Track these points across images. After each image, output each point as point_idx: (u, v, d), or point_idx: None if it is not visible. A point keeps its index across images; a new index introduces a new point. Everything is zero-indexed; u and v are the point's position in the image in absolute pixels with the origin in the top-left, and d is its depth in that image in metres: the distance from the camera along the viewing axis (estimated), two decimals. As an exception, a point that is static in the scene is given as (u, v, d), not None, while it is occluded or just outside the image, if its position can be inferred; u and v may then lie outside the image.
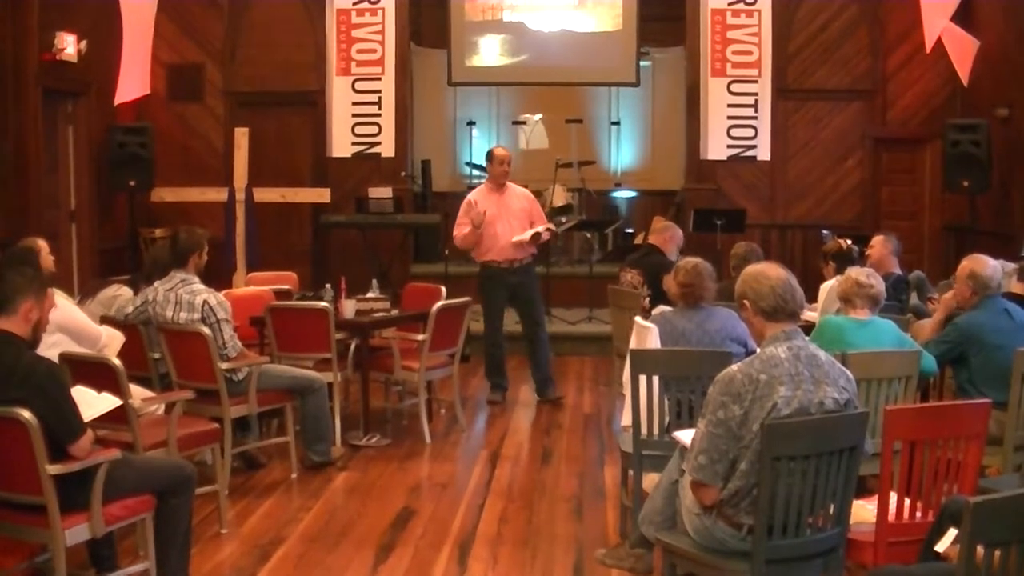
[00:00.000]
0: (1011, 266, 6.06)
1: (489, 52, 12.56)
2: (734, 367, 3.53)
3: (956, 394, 5.54)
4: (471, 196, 8.14)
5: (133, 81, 10.87)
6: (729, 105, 11.60)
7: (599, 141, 13.70)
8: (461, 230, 8.06)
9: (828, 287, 6.47)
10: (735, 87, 11.59)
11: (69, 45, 9.82)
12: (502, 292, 8.10)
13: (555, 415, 7.91)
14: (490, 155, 8.22)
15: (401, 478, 6.31)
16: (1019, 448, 5.05)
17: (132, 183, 10.76)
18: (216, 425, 5.59)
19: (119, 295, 6.61)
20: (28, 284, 4.09)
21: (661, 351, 5.09)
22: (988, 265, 5.48)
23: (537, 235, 8.07)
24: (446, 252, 10.49)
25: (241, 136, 10.92)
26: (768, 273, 3.63)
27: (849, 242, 7.27)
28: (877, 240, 7.33)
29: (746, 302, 3.63)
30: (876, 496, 3.87)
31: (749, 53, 11.59)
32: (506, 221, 8.04)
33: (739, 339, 5.26)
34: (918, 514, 3.83)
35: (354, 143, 11.68)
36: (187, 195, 11.21)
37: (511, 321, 8.47)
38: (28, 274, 4.23)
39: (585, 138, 13.17)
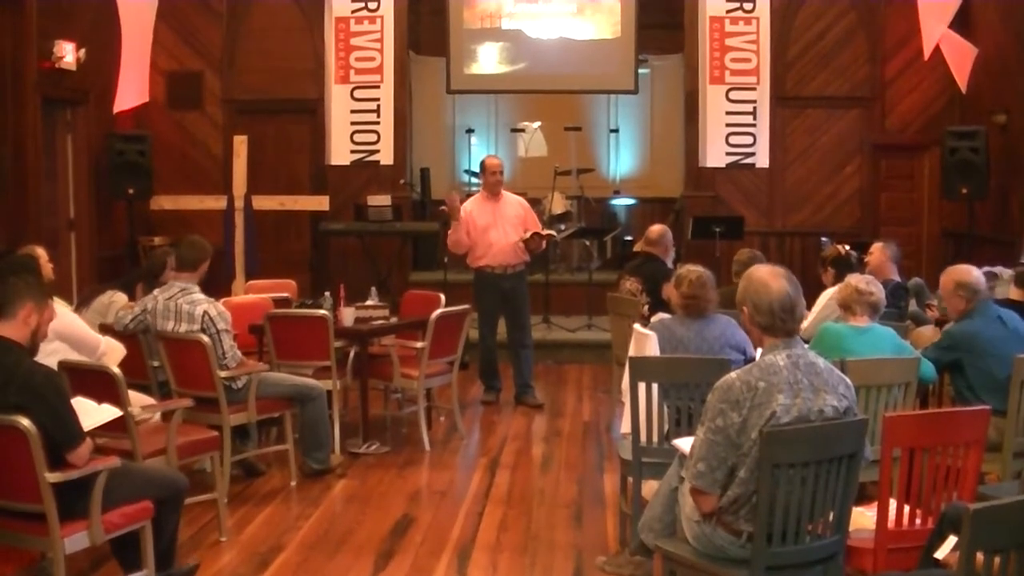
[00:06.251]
0: (1009, 272, 6.06)
1: (488, 60, 12.57)
2: (733, 374, 3.52)
3: (954, 401, 5.54)
4: (465, 203, 8.30)
5: (132, 89, 10.87)
6: (728, 112, 11.60)
7: (598, 149, 13.69)
8: (449, 231, 8.24)
9: (828, 295, 6.46)
10: (734, 94, 11.59)
11: (68, 53, 9.83)
12: (495, 297, 8.26)
13: (554, 422, 7.91)
14: (482, 165, 8.46)
15: (400, 485, 6.31)
16: (1018, 455, 5.05)
17: (131, 191, 10.75)
18: (215, 433, 5.59)
19: (114, 301, 6.61)
20: (27, 290, 4.10)
21: (660, 358, 5.09)
22: (970, 271, 5.48)
23: (536, 236, 8.17)
24: (445, 260, 10.49)
25: (240, 144, 10.93)
26: (771, 287, 3.54)
27: (848, 248, 7.27)
28: (876, 247, 7.34)
29: (745, 308, 3.61)
30: (876, 503, 3.87)
31: (747, 60, 11.59)
32: (500, 228, 8.21)
33: (738, 346, 5.27)
34: (917, 521, 3.83)
35: (353, 151, 11.68)
36: (186, 203, 11.21)
37: (501, 327, 8.52)
38: (28, 280, 4.24)
39: (584, 146, 13.17)
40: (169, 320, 5.99)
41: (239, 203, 10.88)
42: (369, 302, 7.48)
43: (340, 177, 11.77)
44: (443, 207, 8.34)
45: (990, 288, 6.23)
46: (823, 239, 10.81)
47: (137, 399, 5.33)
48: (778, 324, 3.52)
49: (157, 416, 5.49)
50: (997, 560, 2.69)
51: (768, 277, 3.59)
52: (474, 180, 12.49)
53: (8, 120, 9.26)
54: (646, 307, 7.16)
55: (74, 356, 5.28)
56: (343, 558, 5.12)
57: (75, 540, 4.02)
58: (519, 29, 12.46)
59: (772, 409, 3.40)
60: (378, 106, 11.62)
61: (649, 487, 4.67)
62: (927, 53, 10.89)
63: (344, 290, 7.36)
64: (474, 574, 4.95)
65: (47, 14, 9.55)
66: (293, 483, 6.26)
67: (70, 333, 5.43)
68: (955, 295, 5.45)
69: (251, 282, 9.35)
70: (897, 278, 7.17)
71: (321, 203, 11.26)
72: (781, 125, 11.89)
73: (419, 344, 7.00)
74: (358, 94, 11.59)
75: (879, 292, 5.32)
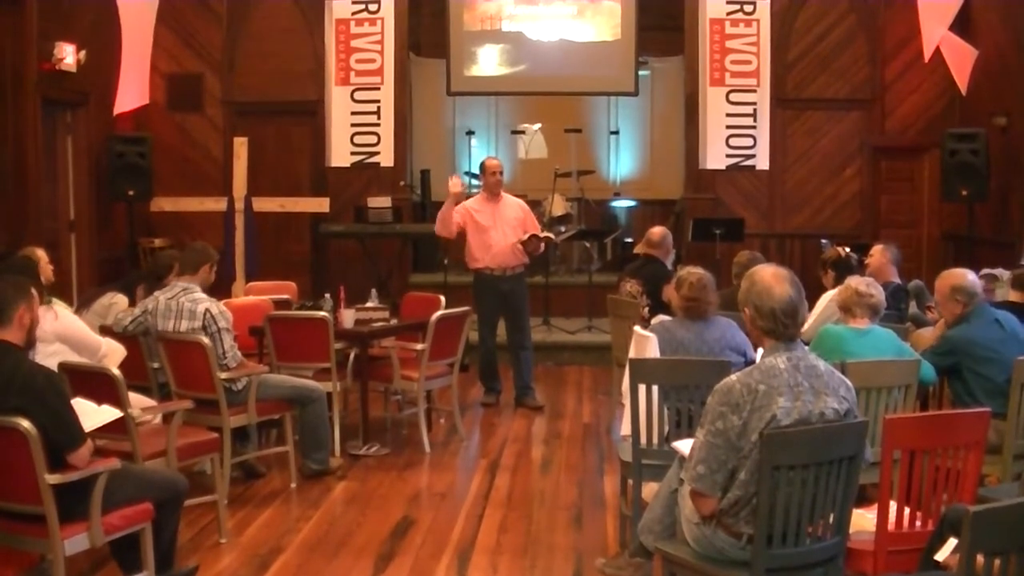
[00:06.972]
0: (1008, 274, 6.06)
1: (488, 62, 12.57)
2: (733, 377, 3.51)
3: (953, 405, 5.53)
4: (465, 203, 8.33)
5: (132, 91, 10.88)
6: (728, 114, 11.55)
7: (598, 150, 13.70)
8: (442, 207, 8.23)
9: (828, 297, 6.45)
10: (734, 96, 11.56)
11: (68, 55, 9.83)
12: (494, 299, 8.26)
13: (554, 424, 7.91)
14: (481, 166, 8.49)
15: (400, 487, 6.30)
16: (1018, 457, 5.06)
17: (131, 193, 10.76)
18: (215, 435, 5.59)
19: (114, 303, 6.62)
20: (17, 291, 4.12)
21: (660, 360, 5.09)
22: (966, 275, 5.48)
23: (535, 238, 8.16)
24: (445, 262, 10.50)
25: (240, 146, 10.93)
26: (774, 292, 3.52)
27: (848, 250, 7.27)
28: (876, 249, 7.33)
29: (747, 310, 3.60)
30: (876, 505, 3.87)
31: (748, 62, 11.57)
32: (500, 230, 8.22)
33: (738, 348, 5.27)
34: (918, 523, 3.83)
35: (353, 153, 11.64)
36: (186, 205, 11.22)
37: (501, 329, 8.51)
38: (12, 280, 4.26)
39: (584, 147, 13.17)
40: (170, 319, 5.99)
41: (239, 205, 10.88)
42: (369, 304, 7.49)
43: (340, 179, 11.78)
44: (455, 178, 8.26)
45: (990, 291, 6.24)
46: (823, 241, 10.81)
47: (137, 401, 5.33)
48: (780, 329, 3.52)
49: (158, 418, 5.49)
50: (997, 562, 2.68)
51: (772, 281, 3.56)
52: (474, 182, 12.51)
53: (8, 121, 9.27)
54: (646, 309, 7.16)
55: (74, 357, 5.29)
56: (343, 560, 5.12)
57: (75, 542, 4.02)
58: (519, 31, 12.46)
59: (772, 412, 3.40)
60: (378, 108, 11.59)
61: (649, 489, 4.67)
62: (927, 55, 10.89)
63: (344, 292, 7.37)
64: (474, 576, 4.96)
65: (47, 15, 9.56)
66: (293, 485, 6.26)
67: (71, 335, 5.44)
68: (951, 299, 5.44)
69: (251, 284, 9.35)
70: (897, 280, 7.17)
71: (321, 205, 11.26)
72: (781, 127, 11.90)
73: (419, 346, 7.00)
74: (358, 96, 11.57)
75: (879, 294, 5.32)
